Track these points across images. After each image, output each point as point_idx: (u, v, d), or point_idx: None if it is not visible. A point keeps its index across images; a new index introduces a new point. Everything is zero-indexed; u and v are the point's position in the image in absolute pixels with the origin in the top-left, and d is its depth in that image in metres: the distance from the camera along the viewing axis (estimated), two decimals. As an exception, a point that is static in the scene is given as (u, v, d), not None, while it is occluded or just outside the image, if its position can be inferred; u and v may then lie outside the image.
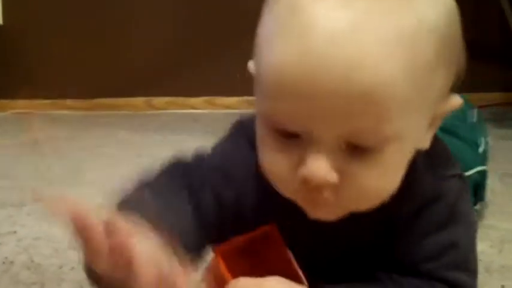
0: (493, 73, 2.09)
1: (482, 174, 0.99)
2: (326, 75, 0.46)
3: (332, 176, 0.50)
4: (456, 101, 0.57)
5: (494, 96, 2.11)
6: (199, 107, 2.29)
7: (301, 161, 0.51)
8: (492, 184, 1.25)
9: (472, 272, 0.65)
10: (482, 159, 1.01)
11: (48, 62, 2.35)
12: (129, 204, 0.60)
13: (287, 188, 0.55)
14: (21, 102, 2.36)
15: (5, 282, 0.86)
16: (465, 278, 0.63)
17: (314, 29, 0.47)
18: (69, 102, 2.37)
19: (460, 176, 0.64)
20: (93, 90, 2.35)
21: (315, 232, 0.63)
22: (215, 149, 0.69)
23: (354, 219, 0.59)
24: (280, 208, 0.60)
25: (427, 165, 0.61)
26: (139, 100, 2.34)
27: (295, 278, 0.62)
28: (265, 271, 0.60)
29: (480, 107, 2.09)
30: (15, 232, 1.06)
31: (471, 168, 0.95)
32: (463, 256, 0.64)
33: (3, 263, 0.92)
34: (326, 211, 0.56)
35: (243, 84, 2.42)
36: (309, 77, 0.47)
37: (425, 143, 0.57)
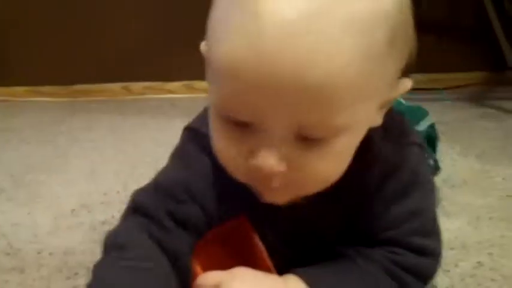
0: (470, 53, 2.10)
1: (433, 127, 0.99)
2: (275, 67, 0.45)
3: (280, 167, 0.51)
4: (407, 83, 0.57)
5: (472, 76, 2.12)
6: (177, 91, 2.28)
7: (251, 151, 0.52)
8: (469, 162, 1.27)
9: (436, 235, 0.66)
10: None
11: (24, 49, 2.32)
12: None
13: (239, 174, 0.56)
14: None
15: (-16, 268, 0.85)
16: (429, 242, 0.65)
17: (264, 17, 0.45)
18: (46, 89, 2.34)
19: (419, 145, 0.65)
20: (71, 77, 2.33)
21: (286, 220, 0.64)
22: (167, 175, 0.67)
23: (321, 202, 0.60)
24: (247, 203, 0.61)
25: (384, 137, 0.62)
26: (117, 86, 2.32)
27: (265, 268, 0.63)
28: (237, 262, 0.61)
29: (458, 86, 2.13)
30: (-7, 218, 1.05)
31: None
32: (426, 221, 0.65)
33: (-18, 249, 0.92)
34: (276, 195, 0.56)
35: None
36: (257, 69, 0.46)
37: (376, 122, 0.57)
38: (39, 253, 0.90)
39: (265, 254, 0.64)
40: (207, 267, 0.61)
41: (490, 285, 0.77)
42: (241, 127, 0.51)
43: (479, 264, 0.82)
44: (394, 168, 0.63)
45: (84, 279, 0.81)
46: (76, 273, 0.83)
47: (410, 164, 0.63)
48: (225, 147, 0.54)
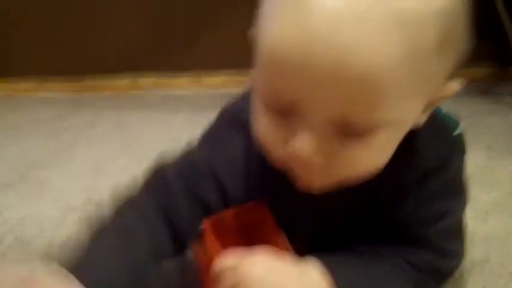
0: (477, 48, 2.08)
1: None
2: (321, 55, 0.45)
3: (318, 157, 0.51)
4: (455, 86, 0.56)
5: (478, 71, 2.12)
6: (185, 86, 2.28)
7: (291, 136, 0.51)
8: (474, 157, 1.26)
9: (461, 238, 0.68)
10: None
11: (28, 44, 2.33)
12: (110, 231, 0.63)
13: (277, 158, 0.56)
14: (2, 84, 2.34)
15: (-9, 262, 0.86)
16: (453, 244, 0.66)
17: (315, 6, 0.45)
18: (53, 84, 2.35)
19: (462, 150, 0.66)
20: (76, 72, 2.33)
21: (314, 209, 0.65)
22: (196, 155, 0.68)
23: (353, 195, 0.61)
24: (274, 193, 0.62)
25: (431, 138, 0.63)
26: (124, 81, 2.33)
27: (281, 243, 0.64)
28: (254, 243, 0.62)
29: (469, 82, 2.11)
30: (1, 213, 1.06)
31: None
32: (454, 224, 0.66)
33: (-10, 243, 0.93)
34: (312, 183, 0.56)
35: (228, 64, 2.41)
36: (304, 55, 0.46)
37: (420, 121, 0.57)
38: (47, 246, 0.90)
39: (283, 238, 0.64)
40: (226, 246, 0.61)
41: (497, 280, 0.77)
42: (284, 115, 0.51)
43: (487, 259, 0.82)
44: (436, 170, 0.63)
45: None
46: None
47: (452, 167, 0.64)
48: (266, 132, 0.54)
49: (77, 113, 1.95)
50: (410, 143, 0.59)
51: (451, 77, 0.55)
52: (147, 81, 2.32)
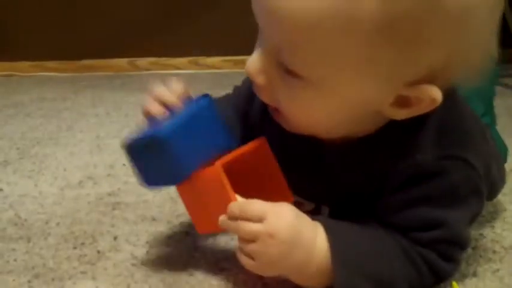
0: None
1: None
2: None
3: (260, 77, 0.62)
4: (434, 91, 0.56)
5: None
6: (183, 67, 2.28)
7: None
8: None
9: (460, 247, 0.67)
10: None
11: (29, 24, 2.32)
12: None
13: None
14: (2, 64, 2.34)
15: (-9, 237, 0.87)
16: (451, 250, 0.66)
17: None
18: (52, 64, 2.35)
19: (469, 162, 0.64)
20: (76, 52, 2.33)
21: (316, 172, 0.71)
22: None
23: (350, 165, 0.67)
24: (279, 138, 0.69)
25: (434, 141, 0.63)
26: (122, 61, 2.33)
27: (281, 188, 0.70)
28: (255, 180, 0.69)
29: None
30: (1, 190, 1.06)
31: None
32: (453, 234, 0.65)
33: (-11, 219, 0.93)
34: (274, 114, 0.66)
35: (227, 44, 2.41)
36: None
37: (393, 115, 0.60)
38: (46, 223, 0.91)
39: (282, 176, 0.70)
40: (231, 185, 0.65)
41: (491, 256, 0.78)
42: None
43: (481, 236, 0.83)
44: (433, 173, 0.63)
45: (90, 248, 0.82)
46: (82, 243, 0.84)
47: (453, 178, 0.64)
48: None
49: (77, 93, 1.95)
50: (408, 144, 0.63)
51: (433, 83, 0.56)
52: (145, 61, 2.32)
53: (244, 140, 0.70)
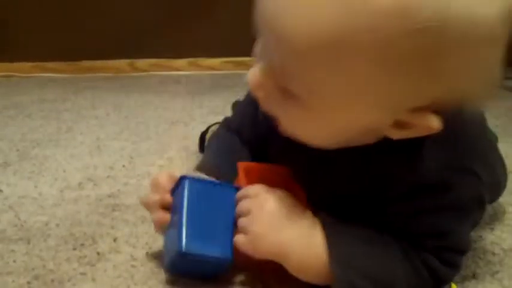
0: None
1: None
2: (264, 10, 0.56)
3: (260, 90, 0.62)
4: (434, 121, 0.56)
5: None
6: (183, 68, 2.28)
7: None
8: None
9: (461, 254, 0.68)
10: None
11: (28, 25, 2.31)
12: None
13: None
14: (2, 65, 2.33)
15: (-9, 239, 0.87)
16: (452, 257, 0.66)
17: None
18: (52, 65, 2.34)
19: (475, 173, 0.64)
20: (76, 53, 2.33)
21: (316, 177, 0.72)
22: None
23: (354, 168, 0.67)
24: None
25: (438, 149, 0.63)
26: (122, 62, 2.33)
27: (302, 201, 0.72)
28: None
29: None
30: (1, 191, 1.06)
31: None
32: (454, 242, 0.66)
33: (-11, 220, 0.93)
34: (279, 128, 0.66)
35: (227, 46, 2.41)
36: (261, 11, 0.56)
37: (390, 134, 0.60)
38: (46, 224, 0.91)
39: (302, 192, 0.73)
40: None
41: (491, 258, 0.78)
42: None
43: (481, 238, 0.83)
44: (437, 186, 0.63)
45: (89, 250, 0.82)
46: (82, 244, 0.84)
47: (460, 192, 0.64)
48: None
49: (77, 95, 1.95)
50: (413, 160, 0.63)
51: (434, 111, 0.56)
52: (145, 63, 2.32)
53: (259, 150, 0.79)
